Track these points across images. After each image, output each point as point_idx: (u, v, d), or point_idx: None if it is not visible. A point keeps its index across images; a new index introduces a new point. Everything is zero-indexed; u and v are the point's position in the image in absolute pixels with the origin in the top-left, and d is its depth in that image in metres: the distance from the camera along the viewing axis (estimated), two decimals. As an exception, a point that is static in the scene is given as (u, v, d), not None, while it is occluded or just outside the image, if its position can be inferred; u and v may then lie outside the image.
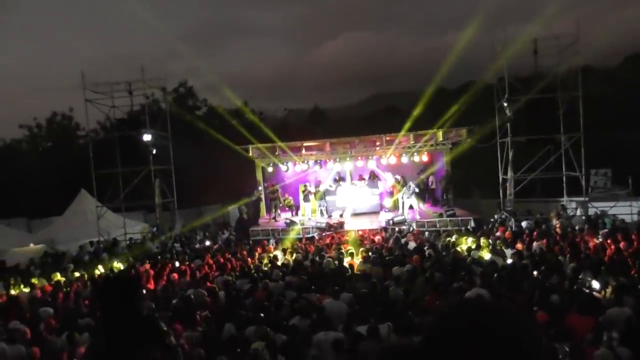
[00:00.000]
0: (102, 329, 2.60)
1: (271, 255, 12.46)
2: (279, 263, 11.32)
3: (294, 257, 12.01)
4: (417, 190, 18.38)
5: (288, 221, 18.17)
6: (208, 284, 9.27)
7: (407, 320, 5.90)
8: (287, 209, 21.03)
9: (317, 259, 11.26)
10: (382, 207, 20.26)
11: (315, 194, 19.76)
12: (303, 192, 19.84)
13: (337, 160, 20.39)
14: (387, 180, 20.22)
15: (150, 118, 18.63)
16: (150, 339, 2.53)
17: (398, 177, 19.95)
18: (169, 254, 14.20)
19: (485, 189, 20.54)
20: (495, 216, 16.81)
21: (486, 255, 10.61)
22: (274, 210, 19.93)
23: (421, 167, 20.92)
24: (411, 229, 16.33)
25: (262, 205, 20.74)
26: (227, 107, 32.24)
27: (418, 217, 17.73)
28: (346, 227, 17.56)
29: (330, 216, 19.49)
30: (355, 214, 19.89)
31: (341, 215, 19.52)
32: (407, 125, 20.48)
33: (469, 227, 16.35)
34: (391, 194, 20.22)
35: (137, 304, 2.57)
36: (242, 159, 20.75)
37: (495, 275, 8.43)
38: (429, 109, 22.77)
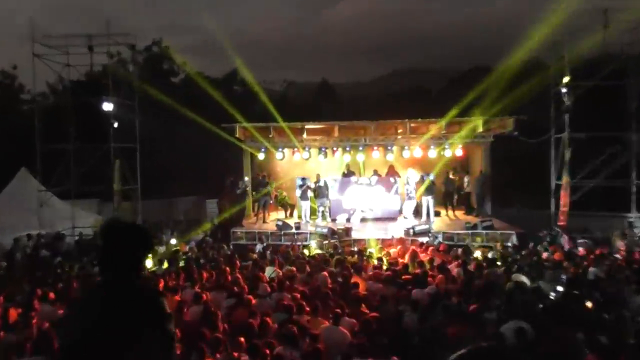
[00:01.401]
0: (97, 294, 2.64)
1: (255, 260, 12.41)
2: (268, 275, 11.27)
3: (285, 270, 11.96)
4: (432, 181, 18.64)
5: (280, 223, 18.14)
6: (177, 297, 9.24)
7: (422, 356, 5.85)
8: (279, 207, 20.98)
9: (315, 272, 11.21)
10: (400, 212, 20.22)
11: (316, 190, 19.74)
12: (301, 187, 19.84)
13: (347, 149, 20.36)
14: (410, 178, 20.16)
15: (113, 83, 18.61)
16: (151, 322, 2.53)
17: (424, 175, 19.90)
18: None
19: (533, 197, 20.51)
20: (544, 232, 16.75)
21: (529, 279, 10.55)
22: (262, 208, 19.94)
23: (454, 164, 20.88)
24: (436, 241, 16.29)
25: (249, 201, 20.70)
26: (211, 75, 32.29)
27: (433, 225, 17.81)
28: (354, 234, 17.50)
29: (334, 220, 19.44)
30: (366, 219, 19.88)
31: (348, 220, 19.47)
32: (439, 111, 20.45)
33: (509, 243, 16.28)
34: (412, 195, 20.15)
35: (142, 271, 2.66)
36: (226, 142, 20.73)
37: (541, 305, 8.39)
38: (467, 92, 22.66)
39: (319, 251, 15.33)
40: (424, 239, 16.35)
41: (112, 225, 2.71)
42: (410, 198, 19.75)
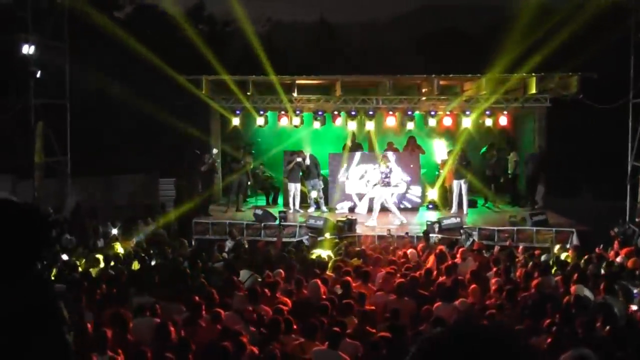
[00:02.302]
0: None
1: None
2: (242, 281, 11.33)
3: (265, 275, 12.03)
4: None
5: (260, 212, 18.16)
6: (121, 310, 9.27)
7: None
8: (259, 191, 20.99)
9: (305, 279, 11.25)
10: (421, 198, 20.38)
11: (308, 170, 19.79)
12: (289, 165, 19.83)
13: (353, 113, 20.38)
14: (437, 154, 20.20)
15: (34, 16, 18.43)
16: (40, 329, 2.55)
17: (457, 149, 19.92)
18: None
19: (602, 184, 20.56)
20: (615, 230, 16.79)
21: (594, 293, 10.60)
22: (237, 191, 20.00)
23: (495, 136, 20.84)
24: (470, 239, 16.35)
25: (217, 181, 20.73)
26: (169, 10, 31.98)
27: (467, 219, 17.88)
28: (359, 229, 17.53)
29: (332, 209, 19.47)
30: (376, 209, 19.86)
31: (352, 210, 19.48)
32: (479, 63, 20.44)
33: (568, 244, 16.33)
34: (437, 176, 20.48)
35: (37, 265, 2.65)
36: (188, 101, 20.66)
37: (608, 327, 8.43)
38: (516, 38, 22.57)
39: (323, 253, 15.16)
40: (453, 237, 16.43)
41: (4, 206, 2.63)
42: (387, 185, 18.69)
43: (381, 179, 18.25)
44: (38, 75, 18.23)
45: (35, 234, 2.60)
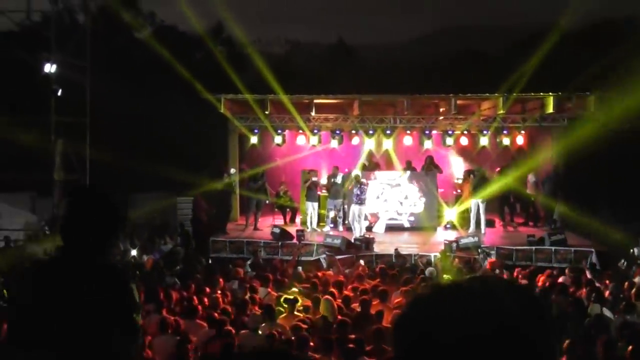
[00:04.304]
0: (50, 270, 2.94)
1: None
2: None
3: (278, 295, 11.97)
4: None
5: (277, 231, 18.12)
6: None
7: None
8: (277, 210, 21.04)
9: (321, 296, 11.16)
10: (437, 217, 20.24)
11: (328, 188, 19.78)
12: (305, 183, 19.85)
13: (371, 132, 20.36)
14: (455, 171, 20.13)
15: (58, 36, 18.57)
16: (117, 310, 2.79)
17: (473, 169, 19.84)
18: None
19: (620, 204, 20.30)
20: (636, 250, 16.61)
21: (613, 313, 10.45)
22: (255, 210, 19.97)
23: (513, 156, 20.71)
24: (486, 259, 16.21)
25: (236, 200, 20.77)
26: (189, 31, 32.23)
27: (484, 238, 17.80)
28: (377, 248, 17.45)
29: (350, 228, 19.43)
30: (394, 228, 19.86)
31: (369, 229, 19.41)
32: (496, 84, 20.36)
33: (587, 265, 16.16)
34: (458, 197, 20.21)
35: (110, 252, 3.13)
36: (208, 119, 20.67)
37: (630, 348, 8.29)
38: (535, 58, 22.52)
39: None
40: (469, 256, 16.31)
41: (82, 190, 3.14)
42: (359, 202, 18.64)
43: (355, 197, 18.37)
44: (59, 93, 18.33)
45: (117, 220, 3.04)
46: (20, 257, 15.32)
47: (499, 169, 19.76)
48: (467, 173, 19.82)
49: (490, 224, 19.67)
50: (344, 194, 19.71)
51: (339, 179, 19.72)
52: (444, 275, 13.88)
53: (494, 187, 18.79)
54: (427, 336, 1.28)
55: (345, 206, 19.81)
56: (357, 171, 19.76)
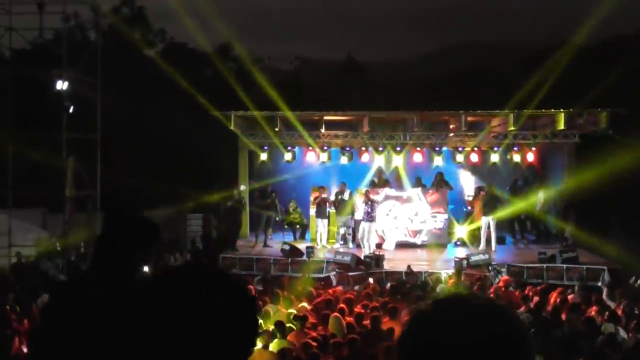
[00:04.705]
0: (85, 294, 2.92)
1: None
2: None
3: (287, 312, 11.95)
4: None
5: (287, 247, 18.14)
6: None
7: None
8: (286, 226, 21.07)
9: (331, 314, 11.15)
10: (448, 234, 20.28)
11: (337, 205, 19.79)
12: (315, 199, 19.92)
13: (380, 149, 20.39)
14: (466, 189, 20.11)
15: (69, 54, 18.69)
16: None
17: (480, 185, 19.92)
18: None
19: (633, 221, 20.22)
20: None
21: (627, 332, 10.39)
22: (264, 227, 20.00)
23: (523, 173, 20.70)
24: (498, 277, 16.15)
25: (245, 216, 20.82)
26: (199, 48, 32.36)
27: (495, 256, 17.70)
28: (387, 265, 17.42)
29: (360, 245, 19.44)
30: (404, 246, 19.85)
31: (379, 246, 19.40)
32: (506, 100, 20.39)
33: (599, 282, 16.08)
34: (469, 214, 20.20)
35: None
36: (217, 135, 20.72)
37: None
38: (545, 74, 22.51)
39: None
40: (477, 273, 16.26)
41: (120, 213, 3.18)
42: (370, 219, 18.57)
43: (365, 214, 18.35)
44: (70, 110, 18.42)
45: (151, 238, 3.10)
46: (31, 276, 15.40)
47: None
48: (478, 190, 19.79)
49: (501, 241, 19.65)
50: (352, 210, 19.73)
51: (346, 196, 19.78)
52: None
53: (507, 210, 18.86)
54: (430, 344, 1.37)
55: (354, 222, 19.80)
56: (366, 188, 19.81)
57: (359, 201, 19.47)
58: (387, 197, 20.23)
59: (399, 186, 21.06)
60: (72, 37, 20.33)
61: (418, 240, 20.12)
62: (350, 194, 19.82)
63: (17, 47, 21.37)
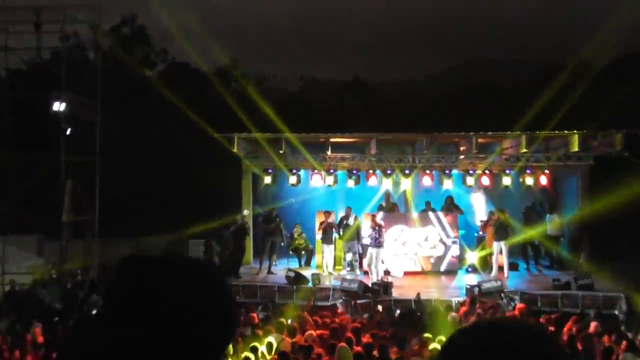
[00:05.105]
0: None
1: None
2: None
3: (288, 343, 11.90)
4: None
5: (292, 274, 18.08)
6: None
7: None
8: (291, 252, 21.04)
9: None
10: (459, 260, 20.21)
11: (343, 229, 19.72)
12: (320, 224, 19.89)
13: (389, 172, 20.35)
14: (477, 212, 20.05)
15: (67, 74, 18.73)
16: None
17: (492, 210, 19.86)
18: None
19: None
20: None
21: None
22: (269, 253, 19.96)
23: (536, 196, 20.77)
24: (512, 304, 16.05)
25: (249, 242, 20.75)
26: (201, 68, 32.47)
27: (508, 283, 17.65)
28: (395, 292, 17.32)
29: (367, 272, 19.31)
30: (412, 272, 19.80)
31: (387, 272, 19.29)
32: (518, 121, 20.46)
33: (616, 311, 15.95)
34: (480, 239, 20.15)
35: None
36: (220, 158, 20.72)
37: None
38: (558, 95, 22.53)
39: None
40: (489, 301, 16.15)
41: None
42: (377, 244, 18.48)
43: (372, 240, 18.32)
44: (68, 132, 18.40)
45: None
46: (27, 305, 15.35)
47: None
48: (489, 214, 19.77)
49: (513, 267, 19.55)
50: (358, 235, 19.67)
51: (351, 221, 19.68)
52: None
53: (519, 235, 18.83)
54: None
55: (360, 248, 19.75)
56: (373, 212, 19.78)
57: (366, 226, 19.40)
58: (395, 222, 20.23)
59: (408, 210, 21.02)
60: (70, 57, 20.29)
61: (428, 266, 20.02)
62: (356, 219, 19.74)
63: (13, 66, 21.45)
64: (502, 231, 18.82)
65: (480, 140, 20.09)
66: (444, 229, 20.03)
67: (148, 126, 23.69)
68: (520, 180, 19.97)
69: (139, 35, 33.78)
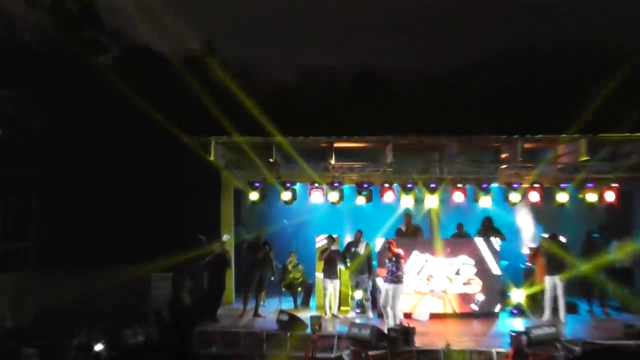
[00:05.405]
0: None
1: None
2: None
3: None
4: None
5: (285, 318, 17.81)
6: None
7: None
8: (284, 289, 20.89)
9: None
10: (501, 299, 19.95)
11: (350, 260, 19.68)
12: (322, 253, 19.85)
13: (409, 186, 20.21)
14: (525, 239, 19.75)
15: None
16: None
17: (544, 234, 19.74)
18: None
19: None
20: None
21: None
22: (255, 290, 19.79)
23: (601, 217, 20.87)
24: (571, 357, 15.69)
25: (230, 276, 20.61)
26: (168, 53, 32.49)
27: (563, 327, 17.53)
28: (418, 341, 16.98)
29: (380, 315, 19.07)
30: (440, 315, 19.62)
31: (408, 315, 19.15)
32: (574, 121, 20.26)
33: None
34: (528, 272, 19.99)
35: None
36: (193, 170, 20.53)
37: None
38: (627, 88, 22.34)
39: None
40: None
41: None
42: (395, 279, 18.20)
43: (389, 274, 17.97)
44: (-1, 136, 18.38)
45: None
46: None
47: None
48: (540, 240, 19.58)
49: (572, 309, 19.39)
50: (370, 267, 19.62)
51: (362, 249, 19.64)
52: None
53: (579, 267, 18.75)
54: None
55: (372, 284, 19.75)
56: (389, 237, 19.68)
57: (380, 256, 19.18)
58: (417, 250, 20.07)
59: (434, 235, 20.80)
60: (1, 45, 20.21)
61: (460, 307, 19.87)
62: (367, 246, 19.70)
63: None
64: (557, 262, 18.64)
65: (526, 145, 20.07)
66: (481, 259, 19.88)
67: (101, 128, 23.44)
68: (580, 196, 19.95)
69: (88, 12, 33.69)
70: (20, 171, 19.32)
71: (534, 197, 19.96)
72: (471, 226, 20.88)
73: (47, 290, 20.51)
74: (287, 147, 20.06)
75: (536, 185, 19.88)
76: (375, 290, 19.62)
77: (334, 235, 20.13)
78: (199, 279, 20.50)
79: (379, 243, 19.80)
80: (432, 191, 20.10)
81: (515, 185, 19.86)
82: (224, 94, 25.32)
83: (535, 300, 19.43)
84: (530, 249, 20.19)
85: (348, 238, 20.59)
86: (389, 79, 46.76)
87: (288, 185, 20.40)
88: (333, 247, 19.65)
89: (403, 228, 20.92)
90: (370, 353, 16.37)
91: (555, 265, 18.55)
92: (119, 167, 23.63)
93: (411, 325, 17.66)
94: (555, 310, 18.59)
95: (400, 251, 18.47)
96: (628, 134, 19.72)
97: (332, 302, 19.54)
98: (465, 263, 19.90)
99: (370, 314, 19.41)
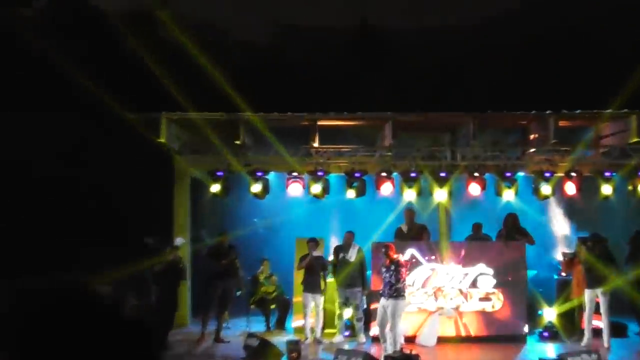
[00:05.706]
0: None
1: None
2: None
3: None
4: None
5: (255, 342, 17.62)
6: None
7: None
8: (254, 306, 20.89)
9: None
10: (528, 319, 19.79)
11: (338, 269, 19.62)
12: (302, 261, 19.79)
13: (412, 174, 20.20)
14: (558, 242, 19.64)
15: None
16: None
17: (583, 236, 19.48)
18: None
19: None
20: None
21: None
22: (217, 308, 19.73)
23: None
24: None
25: (184, 290, 20.52)
26: (107, 5, 32.30)
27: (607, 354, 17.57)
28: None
29: (375, 339, 18.97)
30: (451, 338, 19.52)
31: (411, 340, 18.94)
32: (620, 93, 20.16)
33: None
34: (563, 284, 19.88)
35: None
36: (138, 155, 20.36)
37: None
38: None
39: None
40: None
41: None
42: (394, 293, 18.01)
43: (386, 286, 17.66)
44: None
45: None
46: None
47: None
48: (578, 244, 19.30)
49: (619, 331, 19.29)
50: (363, 278, 19.58)
51: (352, 254, 19.57)
52: None
53: (628, 278, 18.61)
54: None
55: (366, 299, 19.75)
56: (387, 240, 19.58)
57: (375, 263, 19.05)
58: (423, 256, 19.86)
59: (443, 238, 20.97)
60: None
61: (476, 329, 19.75)
62: (359, 251, 19.71)
63: None
64: (598, 272, 18.48)
65: (561, 123, 20.10)
66: (503, 267, 19.70)
67: (21, 99, 23.23)
68: (630, 188, 19.77)
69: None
70: None
71: (571, 189, 19.91)
72: (491, 226, 20.75)
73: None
74: (259, 126, 20.02)
75: (573, 174, 19.85)
76: (368, 308, 19.52)
77: (317, 238, 19.99)
78: (144, 295, 20.33)
79: (374, 247, 19.67)
80: (442, 182, 20.10)
81: (546, 174, 19.86)
82: (178, 59, 25.12)
83: (572, 320, 19.39)
84: (565, 255, 20.08)
85: (335, 241, 20.64)
86: (389, 39, 46.85)
87: (259, 174, 20.41)
88: (316, 253, 19.59)
89: (404, 228, 20.77)
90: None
91: (596, 276, 18.38)
92: (47, 154, 23.45)
93: (414, 352, 17.60)
94: (596, 332, 18.44)
95: (401, 257, 18.35)
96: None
97: (314, 322, 19.47)
98: (483, 273, 19.77)
99: (363, 338, 19.40)
